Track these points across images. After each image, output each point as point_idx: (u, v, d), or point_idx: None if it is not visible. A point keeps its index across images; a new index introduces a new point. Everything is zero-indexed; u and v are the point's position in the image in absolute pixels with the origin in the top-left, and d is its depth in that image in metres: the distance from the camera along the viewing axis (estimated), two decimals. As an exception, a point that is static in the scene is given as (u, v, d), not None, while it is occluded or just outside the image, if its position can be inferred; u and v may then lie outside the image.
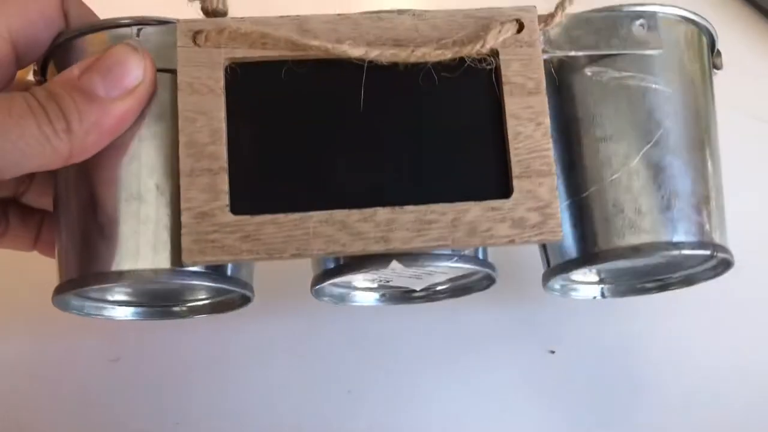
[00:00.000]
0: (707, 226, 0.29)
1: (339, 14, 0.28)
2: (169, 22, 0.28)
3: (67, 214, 0.29)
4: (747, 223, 0.39)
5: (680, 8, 0.31)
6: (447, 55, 0.28)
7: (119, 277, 0.27)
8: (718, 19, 0.61)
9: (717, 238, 0.30)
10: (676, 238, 0.28)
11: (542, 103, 0.28)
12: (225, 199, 0.27)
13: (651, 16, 0.30)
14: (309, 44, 0.27)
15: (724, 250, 0.30)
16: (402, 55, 0.27)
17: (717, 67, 0.33)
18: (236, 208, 0.27)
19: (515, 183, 0.27)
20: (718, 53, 0.33)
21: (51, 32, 0.29)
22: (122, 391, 0.36)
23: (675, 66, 0.30)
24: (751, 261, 0.37)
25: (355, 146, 0.28)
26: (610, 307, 0.39)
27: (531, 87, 0.28)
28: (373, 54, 0.27)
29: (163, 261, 0.27)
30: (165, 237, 0.27)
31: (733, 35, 0.59)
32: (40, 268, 0.32)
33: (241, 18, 0.28)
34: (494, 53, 0.28)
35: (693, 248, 0.28)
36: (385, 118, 0.28)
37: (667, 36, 0.30)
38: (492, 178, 0.28)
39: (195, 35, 0.27)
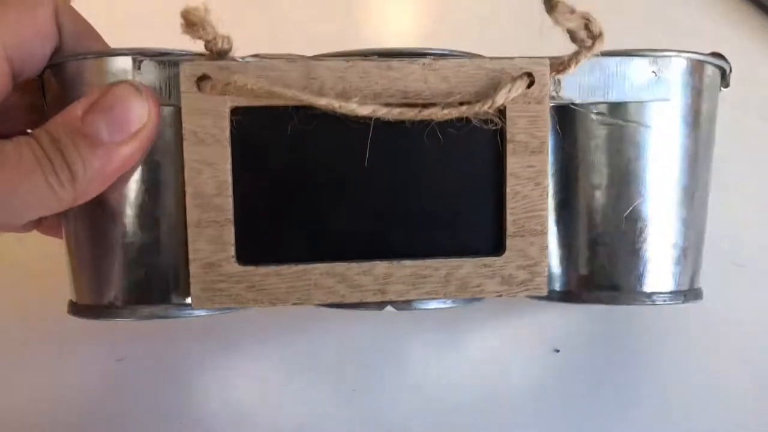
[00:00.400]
0: (684, 276, 0.31)
1: (348, 60, 0.27)
2: (170, 54, 0.27)
3: (76, 238, 0.30)
4: (750, 224, 0.41)
5: (696, 54, 0.30)
6: (453, 114, 0.27)
7: (131, 313, 0.29)
8: (721, 17, 0.61)
9: (690, 284, 0.32)
10: (651, 290, 0.31)
11: (544, 162, 0.29)
12: (231, 251, 0.28)
13: (665, 63, 0.30)
14: (316, 103, 0.27)
15: (695, 294, 0.32)
16: (409, 115, 0.27)
17: (725, 86, 0.33)
18: (242, 259, 0.28)
19: (508, 241, 0.29)
20: (729, 72, 0.33)
21: (46, 47, 0.29)
22: (127, 390, 0.37)
23: (682, 113, 0.30)
24: (755, 262, 0.40)
25: (358, 199, 0.28)
26: (615, 307, 0.38)
27: (534, 146, 0.28)
28: (381, 113, 0.27)
29: (174, 297, 0.29)
30: (172, 274, 0.29)
31: (734, 33, 0.56)
32: (46, 270, 0.34)
33: (246, 62, 0.27)
34: (501, 111, 0.28)
35: (666, 300, 0.31)
36: (388, 173, 0.28)
37: (678, 82, 0.30)
38: (487, 236, 0.29)
39: (199, 81, 0.27)
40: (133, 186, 0.28)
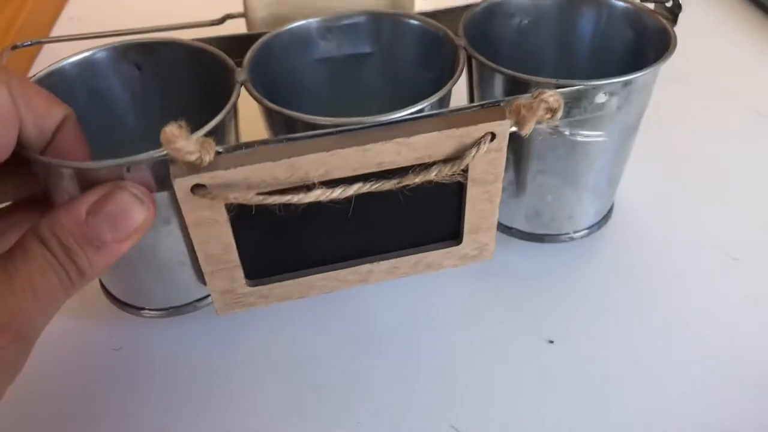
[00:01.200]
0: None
1: (329, 152, 0.29)
2: (158, 155, 0.29)
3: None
4: (745, 217, 0.43)
5: (640, 73, 0.32)
6: (427, 178, 0.31)
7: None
8: (719, 14, 0.54)
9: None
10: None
11: (498, 188, 0.33)
12: (242, 281, 0.34)
13: (615, 87, 0.32)
14: (305, 201, 0.29)
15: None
16: (387, 186, 0.31)
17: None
18: (252, 282, 0.34)
19: (465, 236, 0.35)
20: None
21: (10, 133, 0.29)
22: (124, 380, 0.37)
23: (621, 119, 0.34)
24: (752, 253, 0.41)
25: (342, 232, 0.33)
26: (609, 297, 0.40)
27: (491, 179, 0.33)
28: (362, 190, 0.30)
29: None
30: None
31: (732, 29, 0.54)
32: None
33: (233, 159, 0.28)
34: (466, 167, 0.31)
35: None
36: (368, 215, 0.33)
37: (622, 96, 0.33)
38: (449, 233, 0.35)
39: (193, 189, 0.29)
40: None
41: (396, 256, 0.35)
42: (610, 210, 0.42)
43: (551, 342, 0.38)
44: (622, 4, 0.38)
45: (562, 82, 0.32)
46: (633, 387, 0.36)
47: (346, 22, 0.38)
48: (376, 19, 0.38)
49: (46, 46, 0.55)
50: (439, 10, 0.39)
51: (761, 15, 0.55)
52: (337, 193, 0.30)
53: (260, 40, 0.36)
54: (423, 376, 0.37)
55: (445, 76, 0.35)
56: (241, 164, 0.29)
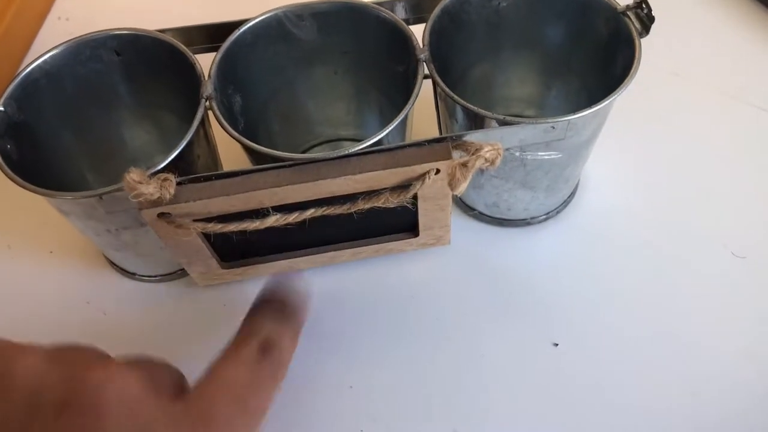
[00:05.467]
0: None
1: (281, 187, 0.31)
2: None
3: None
4: (750, 216, 0.42)
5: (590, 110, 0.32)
6: (377, 203, 0.33)
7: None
8: (720, 9, 0.52)
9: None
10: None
11: (448, 201, 0.35)
12: (216, 265, 0.38)
13: (560, 123, 0.33)
14: (262, 227, 0.32)
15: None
16: (338, 211, 0.33)
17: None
18: (225, 265, 0.38)
19: (421, 232, 0.38)
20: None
21: None
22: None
23: (575, 140, 0.35)
24: (753, 249, 0.41)
25: (304, 233, 0.36)
26: (613, 301, 0.39)
27: (441, 196, 0.35)
28: (316, 214, 0.33)
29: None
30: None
31: (733, 24, 0.52)
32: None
33: (192, 191, 0.31)
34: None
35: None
36: (326, 222, 0.35)
37: (574, 124, 0.33)
38: (406, 229, 0.38)
39: (159, 215, 0.32)
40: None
41: (358, 245, 0.39)
42: (573, 192, 0.43)
43: (556, 345, 0.39)
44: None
45: (509, 119, 0.32)
46: (637, 391, 0.37)
47: (317, 10, 0.37)
48: (345, 8, 0.38)
49: (32, 48, 0.54)
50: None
51: (763, 10, 0.52)
52: (292, 218, 0.33)
53: (230, 38, 0.36)
54: (425, 377, 0.38)
55: (412, 73, 0.36)
56: (200, 198, 0.32)
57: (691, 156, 0.45)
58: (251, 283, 0.41)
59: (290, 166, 0.32)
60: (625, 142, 0.45)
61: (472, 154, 0.30)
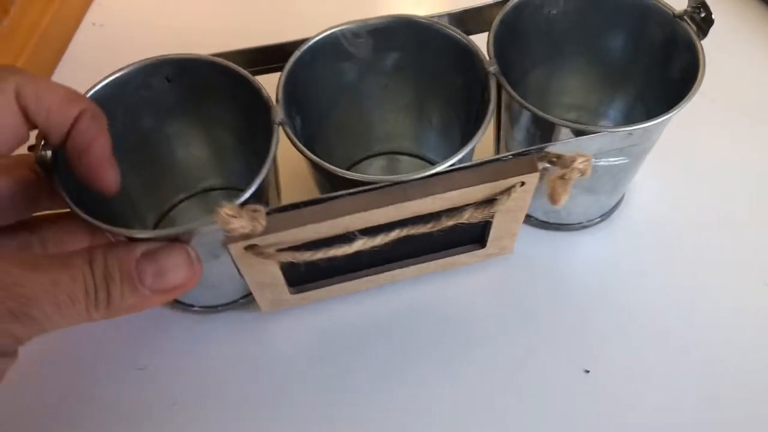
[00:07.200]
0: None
1: (368, 211, 0.31)
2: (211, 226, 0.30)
3: None
4: (746, 218, 0.42)
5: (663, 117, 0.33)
6: (459, 220, 0.33)
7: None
8: (725, 11, 0.54)
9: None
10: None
11: (524, 213, 0.35)
12: (286, 291, 0.37)
13: (636, 130, 0.33)
14: (348, 253, 0.32)
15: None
16: (423, 230, 0.33)
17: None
18: (294, 290, 0.37)
19: (489, 243, 0.38)
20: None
21: (14, 139, 0.30)
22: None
23: (643, 145, 0.35)
24: (749, 260, 0.41)
25: (377, 254, 0.35)
26: (645, 328, 0.39)
27: (518, 209, 0.35)
28: (401, 235, 0.32)
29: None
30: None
31: (735, 24, 0.53)
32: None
33: (281, 221, 0.30)
34: (496, 207, 0.33)
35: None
36: (401, 241, 0.35)
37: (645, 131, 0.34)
38: (474, 241, 0.38)
39: (246, 248, 0.31)
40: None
41: (424, 261, 0.39)
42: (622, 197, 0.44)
43: (587, 372, 0.38)
44: (655, 4, 0.37)
45: (590, 128, 0.33)
46: (667, 419, 0.37)
47: (375, 26, 0.37)
48: (402, 24, 0.37)
49: (66, 53, 0.53)
50: (466, 10, 0.38)
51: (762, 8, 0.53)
52: (377, 241, 0.33)
53: (291, 59, 0.35)
54: (455, 404, 0.37)
55: (473, 85, 0.36)
56: (289, 227, 0.31)
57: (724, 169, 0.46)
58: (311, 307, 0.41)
59: (376, 189, 0.32)
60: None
61: (567, 167, 0.30)
